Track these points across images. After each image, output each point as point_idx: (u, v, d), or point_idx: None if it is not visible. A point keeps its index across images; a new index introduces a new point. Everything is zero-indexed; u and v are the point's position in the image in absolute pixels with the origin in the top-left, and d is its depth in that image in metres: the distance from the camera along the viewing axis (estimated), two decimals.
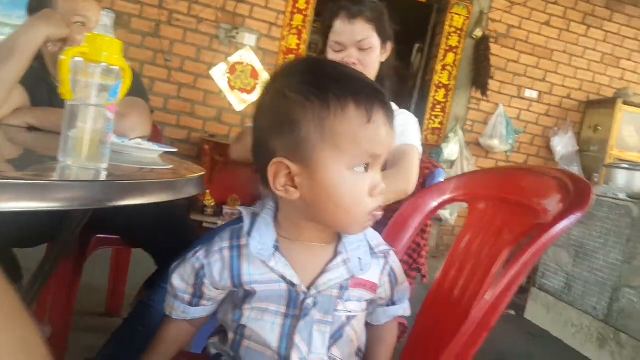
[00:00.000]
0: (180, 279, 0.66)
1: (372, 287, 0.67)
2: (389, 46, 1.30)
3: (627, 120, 4.03)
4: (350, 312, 0.65)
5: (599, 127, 4.10)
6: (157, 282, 1.15)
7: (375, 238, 0.68)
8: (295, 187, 0.58)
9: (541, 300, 2.75)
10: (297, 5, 3.52)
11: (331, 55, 1.26)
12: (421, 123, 3.89)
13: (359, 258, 0.64)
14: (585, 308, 2.46)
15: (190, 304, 0.67)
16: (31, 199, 0.52)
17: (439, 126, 3.97)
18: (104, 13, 0.69)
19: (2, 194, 0.49)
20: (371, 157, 0.57)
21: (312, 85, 0.56)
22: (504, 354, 2.22)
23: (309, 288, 0.61)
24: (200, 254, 0.65)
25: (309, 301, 0.61)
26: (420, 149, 1.25)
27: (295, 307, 0.62)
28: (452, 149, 3.84)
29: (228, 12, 3.47)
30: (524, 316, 2.81)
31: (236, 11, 3.48)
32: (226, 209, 3.29)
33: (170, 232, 1.29)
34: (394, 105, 1.37)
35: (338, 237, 0.65)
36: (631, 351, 2.13)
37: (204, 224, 3.17)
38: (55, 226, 1.17)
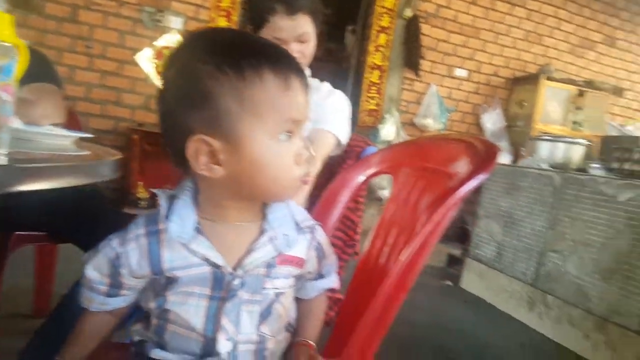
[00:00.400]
0: (94, 270, 0.63)
1: (299, 263, 0.67)
2: (322, 29, 1.30)
3: (550, 96, 4.26)
4: (278, 289, 0.64)
5: (525, 103, 4.30)
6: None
7: (301, 213, 0.68)
8: (219, 164, 0.56)
9: (475, 269, 2.87)
10: None
11: None
12: (358, 105, 3.93)
13: (285, 234, 0.64)
14: (515, 274, 2.58)
15: (109, 295, 0.64)
16: None
17: (375, 107, 4.02)
18: None
19: None
20: (293, 124, 0.57)
21: (224, 55, 0.54)
22: (442, 322, 2.32)
23: (235, 269, 0.60)
24: (115, 242, 0.62)
25: (236, 282, 0.60)
26: (341, 133, 1.26)
27: (221, 288, 0.60)
28: (388, 130, 3.91)
29: None
30: (460, 286, 2.92)
31: None
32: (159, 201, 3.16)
33: (96, 221, 1.22)
34: (327, 85, 1.38)
35: (263, 215, 0.64)
36: (557, 311, 2.27)
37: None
38: None
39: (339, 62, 4.46)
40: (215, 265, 0.60)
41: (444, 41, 4.18)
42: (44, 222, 1.24)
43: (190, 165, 0.56)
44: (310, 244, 0.68)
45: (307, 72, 1.37)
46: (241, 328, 0.61)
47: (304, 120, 0.59)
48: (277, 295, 0.65)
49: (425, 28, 4.04)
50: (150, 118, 3.39)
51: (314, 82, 1.38)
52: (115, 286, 0.64)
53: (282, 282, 0.65)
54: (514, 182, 2.70)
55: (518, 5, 4.38)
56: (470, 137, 0.78)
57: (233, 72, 0.53)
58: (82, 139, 0.99)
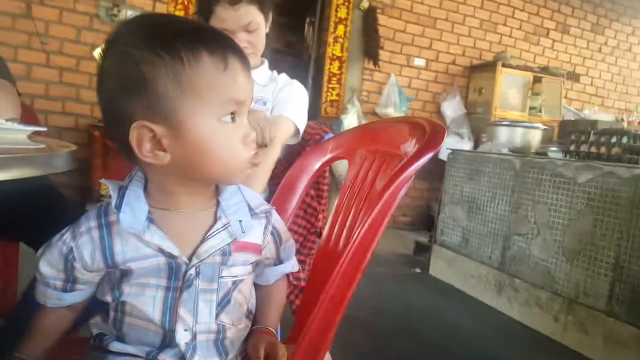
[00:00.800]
0: (48, 265, 0.62)
1: (256, 249, 0.66)
2: (270, 16, 1.31)
3: (508, 82, 4.38)
4: (236, 276, 0.64)
5: (483, 90, 4.42)
6: None
7: (255, 199, 0.67)
8: (164, 150, 0.55)
9: (442, 255, 2.88)
10: None
11: None
12: (319, 96, 3.99)
13: (239, 220, 0.63)
14: (481, 259, 2.58)
15: (64, 290, 0.63)
16: None
17: (336, 98, 4.09)
18: None
19: None
20: (235, 104, 0.57)
21: (158, 39, 0.53)
22: (412, 309, 2.35)
23: (190, 258, 0.60)
24: (67, 236, 0.61)
25: (192, 271, 0.59)
26: (299, 121, 1.29)
27: (177, 279, 0.60)
28: (350, 120, 3.98)
29: None
30: (429, 273, 2.93)
31: None
32: None
33: (49, 219, 1.22)
34: (284, 75, 1.39)
35: (216, 202, 0.63)
36: (525, 294, 2.28)
37: None
38: None
39: (299, 54, 4.51)
40: (170, 256, 0.59)
41: (401, 31, 4.27)
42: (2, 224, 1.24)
43: (135, 153, 0.55)
44: (266, 229, 0.67)
45: (264, 63, 1.38)
46: (199, 318, 0.60)
47: (248, 101, 0.59)
48: (235, 283, 0.64)
49: (382, 19, 4.12)
50: None
51: (271, 73, 1.39)
52: (70, 281, 0.63)
53: (239, 270, 0.64)
54: (476, 167, 2.72)
55: None
56: (418, 119, 0.80)
57: (169, 55, 0.53)
58: (37, 132, 1.01)
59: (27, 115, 1.41)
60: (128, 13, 3.31)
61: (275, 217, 0.70)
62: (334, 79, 4.06)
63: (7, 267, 1.73)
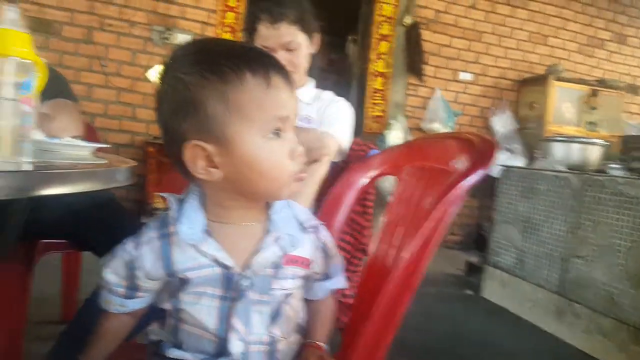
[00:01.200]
0: (112, 273, 0.66)
1: (305, 263, 0.67)
2: (317, 38, 1.33)
3: (562, 96, 4.18)
4: (286, 290, 0.65)
5: (535, 105, 4.24)
6: None
7: (304, 213, 0.69)
8: (216, 167, 0.58)
9: (496, 277, 2.75)
10: (227, 3, 3.54)
11: None
12: (362, 112, 3.99)
13: (290, 235, 0.65)
14: (538, 281, 2.45)
15: (127, 297, 0.67)
16: None
17: (380, 114, 4.08)
18: (8, 8, 0.70)
19: None
20: (280, 121, 0.59)
21: (205, 63, 0.57)
22: (463, 333, 2.23)
23: (243, 269, 0.62)
24: (130, 246, 0.65)
25: (245, 282, 0.62)
26: (344, 139, 1.29)
27: (231, 289, 0.62)
28: (395, 136, 3.95)
29: (159, 14, 3.45)
30: (481, 295, 2.80)
31: (168, 12, 3.46)
32: None
33: (113, 230, 1.29)
34: (330, 93, 1.40)
35: (267, 216, 0.65)
36: (587, 321, 2.13)
37: None
38: None
39: (341, 72, 4.55)
40: (224, 266, 0.62)
41: (447, 46, 4.23)
42: (64, 231, 1.31)
43: (190, 170, 0.59)
44: (315, 244, 0.69)
45: (310, 82, 1.40)
46: (252, 328, 0.63)
47: (292, 116, 0.61)
48: (286, 296, 0.66)
49: (426, 34, 4.10)
50: None
51: (317, 91, 1.41)
52: (132, 288, 0.66)
53: (289, 283, 0.66)
54: (530, 185, 2.60)
55: (519, 8, 4.41)
56: (468, 134, 0.79)
57: (215, 77, 0.56)
58: (99, 149, 1.07)
59: (89, 133, 1.50)
60: (179, 36, 3.47)
61: (324, 232, 0.71)
62: (378, 95, 4.06)
63: (70, 276, 1.83)
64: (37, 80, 0.72)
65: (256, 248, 0.63)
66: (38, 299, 1.45)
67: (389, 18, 3.98)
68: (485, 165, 0.67)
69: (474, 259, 3.29)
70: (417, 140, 1.10)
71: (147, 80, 3.44)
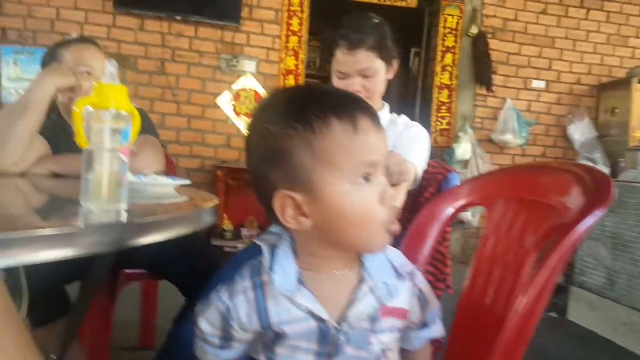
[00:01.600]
0: (207, 324, 0.64)
1: (403, 314, 0.64)
2: (395, 64, 1.30)
3: None
4: (384, 344, 0.62)
5: (617, 110, 3.96)
6: (187, 313, 1.18)
7: (398, 258, 0.66)
8: (306, 216, 0.57)
9: (583, 299, 2.58)
10: (291, 28, 3.61)
11: (336, 83, 1.28)
12: (428, 125, 3.90)
13: (385, 283, 0.62)
14: (633, 304, 2.26)
15: (221, 347, 0.65)
16: (59, 247, 0.55)
17: (447, 127, 3.97)
18: (109, 63, 0.73)
19: (31, 246, 0.52)
20: (369, 166, 0.57)
21: (291, 112, 0.57)
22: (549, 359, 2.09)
23: (339, 322, 0.60)
24: (224, 295, 0.63)
25: (342, 337, 0.59)
26: (421, 166, 1.26)
27: (327, 343, 0.60)
28: (464, 149, 3.82)
29: (227, 42, 3.57)
30: (567, 318, 2.64)
31: (234, 41, 3.58)
32: (244, 232, 3.33)
33: (193, 261, 1.32)
34: (405, 118, 1.38)
35: (360, 263, 0.63)
36: None
37: (225, 249, 3.21)
38: (86, 265, 1.21)
39: (404, 85, 4.48)
40: (319, 319, 0.59)
41: (516, 54, 4.05)
42: (145, 262, 1.37)
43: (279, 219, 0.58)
44: (412, 291, 0.65)
45: (385, 107, 1.37)
46: None
47: (381, 160, 0.58)
48: (383, 351, 0.63)
49: (493, 43, 3.95)
50: (232, 155, 3.61)
51: (391, 116, 1.38)
52: (227, 339, 0.64)
53: (387, 337, 0.63)
54: (618, 198, 2.42)
55: (594, 9, 4.14)
56: (574, 166, 0.74)
57: (301, 126, 0.55)
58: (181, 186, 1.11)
59: (169, 166, 1.55)
60: (245, 63, 3.57)
61: (420, 278, 0.67)
62: (444, 107, 3.95)
63: (148, 304, 1.89)
64: (133, 129, 0.74)
65: (351, 299, 0.61)
66: (117, 325, 1.50)
67: (454, 30, 3.88)
68: (604, 204, 0.61)
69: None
70: (514, 168, 1.03)
71: (215, 106, 3.58)
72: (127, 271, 1.44)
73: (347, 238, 0.58)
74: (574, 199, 0.69)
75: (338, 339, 0.59)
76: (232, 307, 0.62)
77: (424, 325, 0.69)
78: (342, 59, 1.25)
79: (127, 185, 0.74)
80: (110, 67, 0.72)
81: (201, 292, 1.08)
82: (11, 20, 3.32)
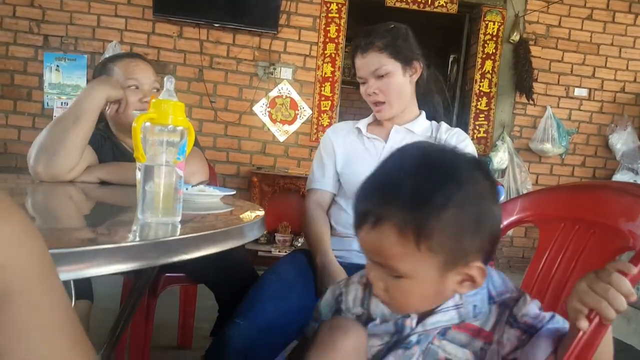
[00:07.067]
0: (325, 305, 0.76)
1: (480, 333, 0.62)
2: (417, 65, 1.30)
3: None
4: (448, 354, 0.62)
5: None
6: (230, 317, 1.19)
7: (500, 286, 0.64)
8: None
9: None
10: (328, 35, 3.61)
11: (361, 89, 1.33)
12: (465, 133, 3.82)
13: (475, 305, 0.62)
14: None
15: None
16: (117, 261, 0.56)
17: (484, 135, 3.89)
18: (166, 78, 0.74)
19: (89, 261, 0.53)
20: None
21: None
22: None
23: (416, 324, 0.64)
24: (342, 283, 0.76)
25: (413, 338, 0.64)
26: None
27: (400, 337, 0.65)
28: (501, 157, 3.73)
29: (264, 50, 3.60)
30: None
31: (272, 48, 3.61)
32: (278, 237, 3.35)
33: (230, 268, 1.35)
34: (445, 125, 1.38)
35: None
36: None
37: (259, 253, 3.24)
38: None
39: (442, 92, 4.41)
40: (402, 321, 0.65)
41: (558, 61, 3.93)
42: (186, 266, 1.40)
43: None
44: (501, 316, 0.63)
45: (421, 115, 1.36)
46: None
47: None
48: None
49: (535, 50, 3.84)
50: (267, 161, 3.64)
51: (430, 123, 1.38)
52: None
53: (453, 349, 0.63)
54: None
55: None
56: (636, 187, 0.71)
57: None
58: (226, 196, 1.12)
59: (211, 175, 1.57)
60: (282, 69, 3.60)
61: (525, 308, 0.62)
62: (482, 115, 3.87)
63: (187, 306, 1.94)
64: (188, 144, 0.75)
65: (436, 309, 0.63)
66: (157, 326, 1.54)
67: (495, 36, 3.80)
68: None
69: None
70: (574, 186, 0.99)
71: (252, 113, 3.61)
72: (168, 274, 1.47)
73: None
74: (639, 223, 0.66)
75: (409, 338, 0.64)
76: (344, 291, 0.74)
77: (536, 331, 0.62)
78: (357, 64, 1.29)
79: (182, 198, 0.75)
80: (168, 83, 0.73)
81: (236, 301, 1.10)
82: (53, 27, 3.43)
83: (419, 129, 1.34)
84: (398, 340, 0.65)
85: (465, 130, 3.80)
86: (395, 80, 1.26)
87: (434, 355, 0.63)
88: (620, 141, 3.91)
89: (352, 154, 1.35)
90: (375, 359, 0.66)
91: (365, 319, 0.70)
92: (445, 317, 0.62)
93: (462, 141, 1.32)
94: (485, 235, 0.59)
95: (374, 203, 0.59)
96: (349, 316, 0.72)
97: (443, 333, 0.63)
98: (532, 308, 0.62)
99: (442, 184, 0.56)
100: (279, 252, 3.20)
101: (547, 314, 0.63)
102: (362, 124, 1.39)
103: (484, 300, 0.62)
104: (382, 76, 1.25)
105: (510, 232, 3.73)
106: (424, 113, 1.38)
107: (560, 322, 0.62)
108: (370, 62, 1.25)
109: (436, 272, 0.58)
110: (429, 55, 1.34)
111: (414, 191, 0.56)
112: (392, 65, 1.25)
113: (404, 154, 0.62)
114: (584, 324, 0.52)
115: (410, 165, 0.59)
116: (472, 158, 0.62)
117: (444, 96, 1.48)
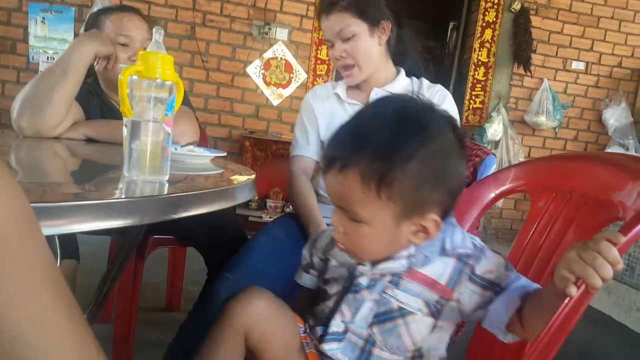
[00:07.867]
0: (305, 250, 0.82)
1: (431, 283, 0.65)
2: (386, 24, 1.23)
3: None
4: (400, 302, 0.66)
5: None
6: (220, 272, 1.19)
7: (457, 241, 0.66)
8: None
9: None
10: None
11: (329, 52, 1.27)
12: (461, 103, 3.80)
13: (425, 255, 0.66)
14: None
15: (304, 270, 0.82)
16: (101, 218, 0.55)
17: (480, 106, 3.86)
18: (155, 30, 0.71)
19: (73, 216, 0.52)
20: None
21: None
22: (564, 342, 2.11)
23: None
24: (320, 230, 0.89)
25: (362, 280, 0.68)
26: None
27: (352, 281, 0.70)
28: (495, 129, 3.72)
29: (259, 8, 3.49)
30: None
31: (267, 7, 3.49)
32: (270, 203, 3.35)
33: (220, 231, 1.34)
34: (426, 82, 1.32)
35: None
36: None
37: (250, 218, 3.24)
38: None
39: (439, 60, 4.34)
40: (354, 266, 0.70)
41: (558, 33, 3.87)
42: (174, 228, 1.39)
43: None
44: (461, 272, 0.65)
45: (400, 73, 1.31)
46: (355, 318, 0.68)
47: None
48: (402, 312, 0.66)
49: (535, 20, 3.77)
50: (260, 125, 3.59)
51: (410, 80, 1.33)
52: (309, 265, 0.81)
53: (406, 297, 0.66)
54: None
55: None
56: (626, 158, 0.71)
57: None
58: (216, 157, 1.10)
59: (201, 136, 1.54)
60: (277, 30, 3.50)
61: (485, 263, 0.65)
62: (478, 85, 3.83)
63: (175, 269, 1.95)
64: (176, 100, 0.73)
65: (388, 256, 0.67)
66: (145, 287, 1.55)
67: (496, 4, 3.71)
68: None
69: None
70: (566, 156, 1.00)
71: (245, 75, 3.53)
72: (156, 236, 1.46)
73: None
74: (634, 195, 0.66)
75: (358, 280, 0.69)
76: (318, 238, 0.80)
77: (500, 290, 0.64)
78: (322, 26, 1.24)
79: (170, 157, 0.73)
80: (157, 35, 0.69)
81: (224, 263, 1.10)
82: None
83: (398, 88, 1.29)
84: (349, 285, 0.69)
85: (462, 100, 3.77)
86: (362, 42, 1.20)
87: (387, 304, 0.67)
88: (614, 116, 3.91)
89: (334, 122, 1.31)
90: (334, 307, 0.70)
91: (324, 267, 0.77)
92: (395, 264, 0.66)
93: (443, 99, 1.27)
94: (444, 190, 0.62)
95: (343, 150, 0.62)
96: (317, 263, 0.79)
97: (396, 283, 0.66)
98: (493, 264, 0.64)
99: (410, 138, 0.59)
100: (270, 218, 3.21)
101: (513, 274, 0.65)
102: (340, 89, 1.32)
103: (434, 251, 0.66)
104: (349, 39, 1.19)
105: (499, 204, 3.77)
106: (402, 71, 1.32)
107: (524, 282, 0.64)
108: (335, 22, 1.19)
109: (392, 220, 0.63)
110: (400, 14, 1.27)
111: (382, 142, 0.60)
112: (357, 26, 1.19)
113: (381, 106, 0.66)
114: (573, 290, 0.53)
115: (384, 118, 0.62)
116: (446, 116, 0.65)
117: (422, 57, 1.39)
